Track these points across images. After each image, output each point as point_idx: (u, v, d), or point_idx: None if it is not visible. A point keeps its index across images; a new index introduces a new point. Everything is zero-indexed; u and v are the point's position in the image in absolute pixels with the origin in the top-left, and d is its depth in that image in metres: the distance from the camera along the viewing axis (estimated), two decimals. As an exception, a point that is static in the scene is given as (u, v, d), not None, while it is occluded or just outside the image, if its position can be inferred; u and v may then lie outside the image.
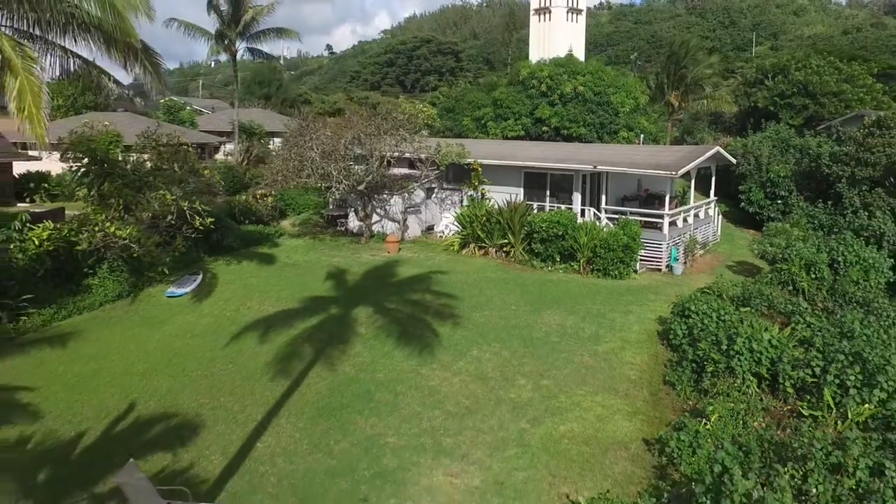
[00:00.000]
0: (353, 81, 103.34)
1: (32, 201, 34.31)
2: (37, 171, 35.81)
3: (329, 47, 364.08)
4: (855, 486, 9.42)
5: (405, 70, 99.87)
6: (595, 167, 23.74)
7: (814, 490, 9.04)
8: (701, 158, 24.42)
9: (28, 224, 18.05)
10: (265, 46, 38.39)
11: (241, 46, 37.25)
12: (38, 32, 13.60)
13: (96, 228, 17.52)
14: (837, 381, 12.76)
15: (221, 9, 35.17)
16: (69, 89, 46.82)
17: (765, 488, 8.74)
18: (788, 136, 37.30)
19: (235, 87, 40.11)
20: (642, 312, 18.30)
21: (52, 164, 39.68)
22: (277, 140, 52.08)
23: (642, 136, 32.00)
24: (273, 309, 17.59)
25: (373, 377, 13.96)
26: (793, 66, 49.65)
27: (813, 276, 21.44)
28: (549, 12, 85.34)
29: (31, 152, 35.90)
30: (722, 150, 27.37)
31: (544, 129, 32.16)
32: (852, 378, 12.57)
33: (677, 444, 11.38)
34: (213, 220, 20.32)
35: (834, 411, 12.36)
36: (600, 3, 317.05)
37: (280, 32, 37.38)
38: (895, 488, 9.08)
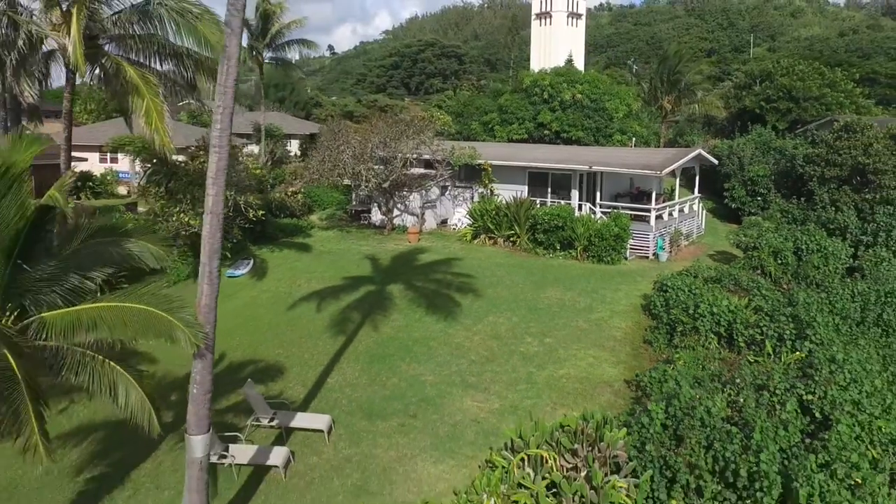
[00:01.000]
0: (360, 83, 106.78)
1: (78, 198, 37.76)
2: (81, 171, 39.30)
3: (331, 47, 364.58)
4: (777, 403, 13.02)
5: (410, 73, 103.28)
6: (590, 167, 27.35)
7: (741, 400, 12.64)
8: (684, 160, 28.02)
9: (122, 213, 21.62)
10: (287, 55, 41.96)
11: (267, 56, 40.83)
12: (142, 60, 17.16)
13: (173, 219, 21.11)
14: (777, 335, 16.39)
15: (251, 23, 38.71)
16: (99, 94, 50.32)
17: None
18: (769, 138, 40.94)
19: (261, 94, 43.68)
20: (629, 290, 21.84)
21: (94, 165, 43.35)
22: (294, 142, 55.63)
23: (634, 139, 35.63)
24: (320, 286, 21.17)
25: (410, 336, 17.58)
26: (778, 72, 53.23)
27: (779, 261, 25.03)
28: (550, 17, 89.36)
29: (75, 153, 39.47)
30: (703, 152, 30.97)
31: (546, 132, 35.82)
32: (788, 332, 16.21)
33: (649, 380, 14.97)
34: (263, 212, 23.91)
35: (772, 357, 15.97)
36: (600, 5, 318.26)
37: (303, 43, 40.97)
38: (800, 398, 12.70)
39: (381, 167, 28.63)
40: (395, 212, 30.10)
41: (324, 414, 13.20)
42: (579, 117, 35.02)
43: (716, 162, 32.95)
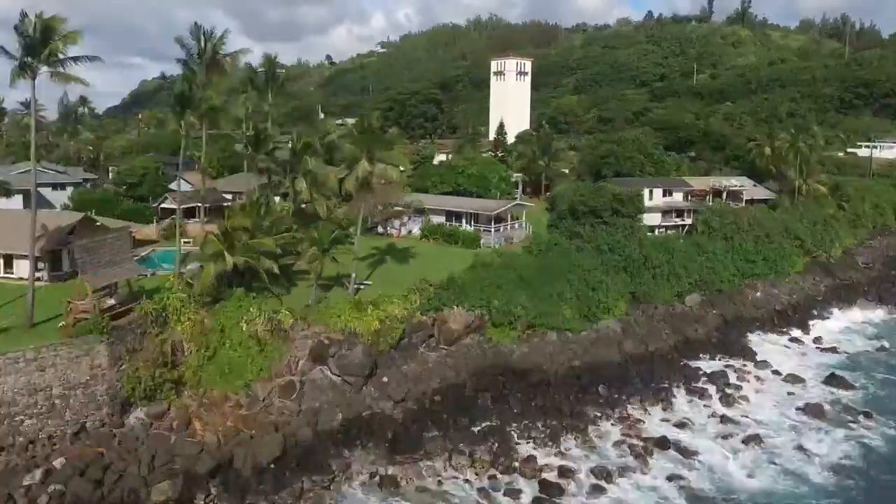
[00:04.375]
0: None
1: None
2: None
3: (329, 57, 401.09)
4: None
5: (400, 114, 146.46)
6: (469, 209, 70.43)
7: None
8: (506, 206, 71.23)
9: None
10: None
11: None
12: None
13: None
14: (499, 267, 59.17)
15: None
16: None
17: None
18: (579, 187, 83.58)
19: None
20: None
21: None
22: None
23: (499, 194, 78.57)
24: (364, 254, 63.67)
25: (394, 267, 60.41)
26: (611, 139, 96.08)
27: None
28: (504, 75, 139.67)
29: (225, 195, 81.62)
30: (520, 201, 74.07)
31: (461, 188, 78.68)
32: (502, 266, 59.03)
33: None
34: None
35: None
36: (575, 25, 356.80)
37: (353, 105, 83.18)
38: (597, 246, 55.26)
39: (381, 208, 71.16)
40: (389, 227, 72.88)
41: (368, 281, 55.87)
42: (475, 182, 77.91)
43: (531, 205, 76.05)
